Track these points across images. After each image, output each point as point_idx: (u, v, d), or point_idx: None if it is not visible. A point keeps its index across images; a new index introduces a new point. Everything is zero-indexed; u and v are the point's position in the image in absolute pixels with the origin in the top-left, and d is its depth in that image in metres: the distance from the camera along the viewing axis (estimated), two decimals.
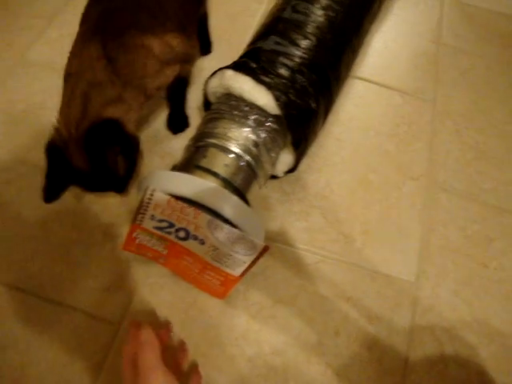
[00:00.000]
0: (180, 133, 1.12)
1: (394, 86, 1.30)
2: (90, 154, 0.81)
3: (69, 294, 0.93)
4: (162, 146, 1.10)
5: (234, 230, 0.75)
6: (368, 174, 1.13)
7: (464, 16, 1.53)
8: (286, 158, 0.98)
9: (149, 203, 0.77)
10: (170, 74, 0.92)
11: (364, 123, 1.21)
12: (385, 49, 1.39)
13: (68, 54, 0.87)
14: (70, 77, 0.85)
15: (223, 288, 0.89)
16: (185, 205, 0.75)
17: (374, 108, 1.25)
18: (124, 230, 0.97)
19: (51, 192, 0.85)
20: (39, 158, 0.83)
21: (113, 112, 0.82)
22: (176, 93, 1.06)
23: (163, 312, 0.92)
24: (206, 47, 1.27)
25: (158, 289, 0.95)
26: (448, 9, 1.54)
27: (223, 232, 0.76)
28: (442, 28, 1.48)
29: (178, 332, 0.90)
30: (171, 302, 0.93)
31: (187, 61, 0.98)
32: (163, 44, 0.86)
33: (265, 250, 0.76)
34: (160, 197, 0.75)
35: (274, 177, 1.04)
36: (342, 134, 1.18)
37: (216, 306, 0.93)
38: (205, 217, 0.75)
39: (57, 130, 0.83)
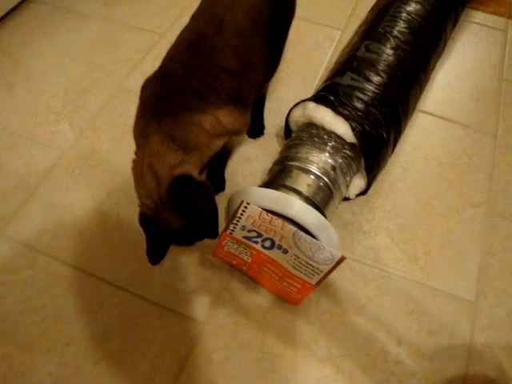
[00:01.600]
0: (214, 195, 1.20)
1: (456, 119, 1.39)
2: (181, 208, 0.90)
3: (159, 294, 1.05)
4: (244, 168, 1.23)
5: (315, 240, 0.86)
6: (431, 199, 1.22)
7: None
8: (358, 182, 1.09)
9: (242, 215, 0.90)
10: (221, 144, 1.00)
11: (427, 153, 1.31)
12: (448, 84, 1.48)
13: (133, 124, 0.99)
14: (140, 143, 0.95)
15: (299, 295, 1.00)
16: (274, 217, 0.87)
17: (437, 139, 1.35)
18: (207, 242, 1.10)
19: (155, 256, 0.97)
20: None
21: (181, 170, 0.91)
22: (218, 159, 1.12)
23: (242, 315, 1.03)
24: (257, 130, 1.31)
25: (238, 294, 1.06)
26: (510, 46, 1.61)
27: (306, 242, 0.87)
28: (504, 64, 1.56)
29: (255, 333, 1.01)
30: (249, 306, 1.05)
31: (236, 134, 1.05)
32: (213, 120, 0.94)
33: (341, 260, 0.87)
34: (253, 209, 0.88)
35: (346, 199, 1.15)
36: (407, 162, 1.28)
37: (290, 312, 1.04)
38: (290, 228, 0.87)
39: (142, 204, 0.94)
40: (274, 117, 1.27)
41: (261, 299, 1.05)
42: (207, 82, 0.93)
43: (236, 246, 0.98)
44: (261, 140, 1.29)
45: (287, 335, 1.01)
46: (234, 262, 1.03)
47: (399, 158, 1.28)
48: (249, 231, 0.93)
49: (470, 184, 1.26)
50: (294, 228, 0.87)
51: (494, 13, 1.71)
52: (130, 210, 1.15)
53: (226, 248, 0.99)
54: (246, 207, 0.88)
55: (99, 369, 0.97)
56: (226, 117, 0.96)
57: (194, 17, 1.03)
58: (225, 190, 1.19)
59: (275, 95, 1.37)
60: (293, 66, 1.44)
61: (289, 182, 0.97)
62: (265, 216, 0.88)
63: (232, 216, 0.91)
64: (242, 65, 0.97)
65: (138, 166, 0.92)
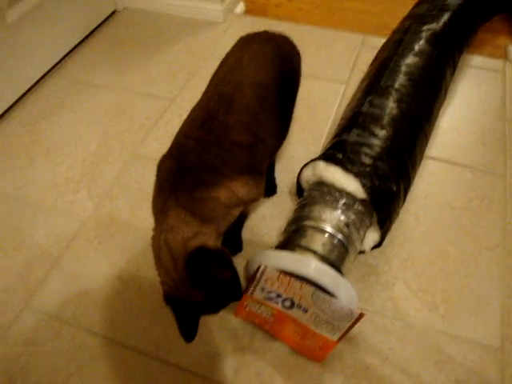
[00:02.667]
0: (232, 256, 1.18)
1: (464, 162, 1.42)
2: (201, 281, 0.91)
3: (184, 358, 1.07)
4: (260, 227, 1.27)
5: (334, 299, 0.88)
6: (446, 246, 1.23)
7: None
8: (372, 236, 1.11)
9: (261, 277, 0.92)
10: (237, 213, 1.03)
11: (438, 199, 1.33)
12: (453, 128, 1.52)
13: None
14: (157, 218, 0.98)
15: (322, 352, 1.01)
16: (292, 279, 0.89)
17: (447, 185, 1.37)
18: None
19: (189, 332, 0.97)
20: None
21: (196, 243, 0.93)
22: (235, 224, 1.13)
23: (267, 374, 1.04)
24: (270, 189, 1.35)
25: (262, 352, 1.07)
26: (509, 86, 1.65)
27: (325, 301, 0.89)
28: (506, 105, 1.60)
29: None
30: (274, 364, 1.05)
31: (251, 203, 1.08)
32: (229, 193, 0.97)
33: (360, 316, 0.88)
34: (271, 272, 0.90)
35: (361, 252, 1.17)
36: (420, 210, 1.30)
37: (315, 368, 1.04)
38: (309, 289, 0.89)
39: (163, 283, 0.95)
40: (285, 175, 1.31)
41: (285, 357, 1.06)
42: (221, 157, 0.97)
43: (257, 306, 1.00)
44: (274, 198, 1.33)
45: None
46: (257, 321, 1.05)
47: (411, 206, 1.30)
48: (268, 292, 0.95)
49: (483, 227, 1.27)
50: (312, 288, 0.89)
51: (491, 55, 1.77)
52: (151, 276, 1.17)
53: (247, 308, 1.02)
54: (264, 270, 0.91)
55: None
56: (241, 188, 0.99)
57: (204, 95, 1.08)
58: (242, 250, 1.22)
59: (286, 153, 1.42)
60: (301, 123, 1.49)
61: (304, 242, 1.00)
62: (283, 278, 0.90)
63: (251, 279, 0.93)
64: (252, 139, 1.01)
65: (156, 242, 0.95)
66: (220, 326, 1.11)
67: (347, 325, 0.91)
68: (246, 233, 1.24)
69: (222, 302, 0.96)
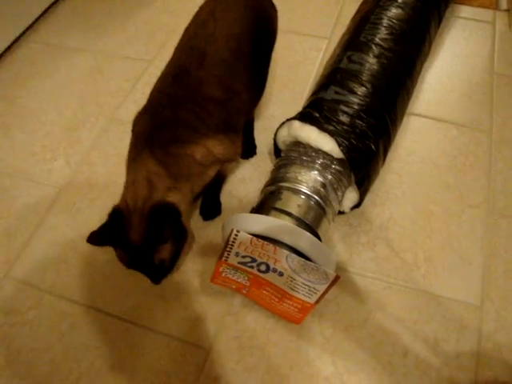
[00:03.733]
0: (210, 220, 1.20)
1: (449, 119, 1.38)
2: (151, 225, 0.90)
3: (163, 323, 1.06)
4: (239, 189, 1.24)
5: (308, 262, 0.86)
6: (428, 204, 1.21)
7: None
8: (351, 196, 1.09)
9: (234, 242, 0.90)
10: (212, 173, 1.02)
11: (422, 157, 1.30)
12: (439, 84, 1.47)
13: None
14: (130, 166, 0.97)
15: (300, 314, 1.00)
16: (265, 242, 0.88)
17: (432, 142, 1.34)
18: (208, 268, 1.10)
19: (96, 239, 0.94)
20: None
21: (173, 198, 0.93)
22: (213, 185, 1.12)
23: (246, 338, 1.03)
24: (249, 151, 1.31)
25: (241, 317, 1.06)
26: (500, 38, 1.60)
27: (300, 264, 0.87)
28: (494, 58, 1.54)
29: (261, 355, 1.01)
30: (253, 329, 1.05)
31: (228, 162, 1.07)
32: (205, 151, 0.96)
33: (336, 279, 0.87)
34: (244, 236, 0.88)
35: (341, 212, 1.15)
36: (402, 168, 1.27)
37: (294, 330, 1.04)
38: (283, 252, 0.87)
39: (124, 200, 0.94)
40: (265, 135, 1.27)
41: (264, 321, 1.05)
42: (196, 113, 0.95)
43: (233, 271, 0.99)
44: (254, 160, 1.30)
45: (292, 355, 1.01)
46: (234, 287, 1.04)
47: (393, 164, 1.28)
48: (243, 257, 0.93)
49: (468, 184, 1.25)
50: (286, 251, 0.87)
51: (480, 5, 1.70)
52: None
53: (223, 274, 1.00)
54: (236, 235, 0.89)
55: None
56: (217, 146, 0.98)
57: (176, 50, 1.04)
58: (221, 213, 1.20)
59: (266, 113, 1.38)
60: (281, 81, 1.44)
61: (279, 205, 0.98)
62: (256, 242, 0.88)
63: (225, 244, 0.91)
64: (227, 93, 0.98)
65: (130, 176, 0.94)
66: (199, 291, 1.10)
67: (323, 287, 0.90)
68: (225, 196, 1.22)
69: (140, 266, 0.95)
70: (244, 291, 1.04)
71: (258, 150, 1.31)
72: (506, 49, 1.57)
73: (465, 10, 1.69)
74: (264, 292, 1.00)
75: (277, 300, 1.00)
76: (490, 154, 1.31)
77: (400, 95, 1.18)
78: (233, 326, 1.05)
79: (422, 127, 1.37)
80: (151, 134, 0.95)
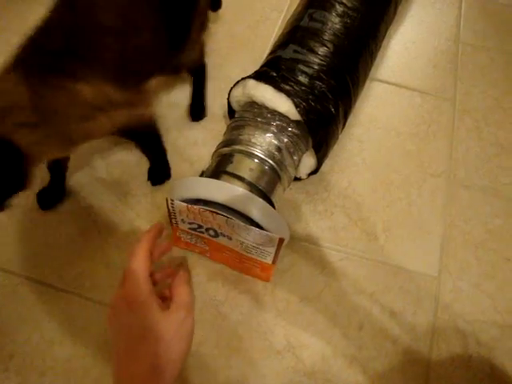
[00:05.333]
0: (160, 184, 1.11)
1: (413, 86, 1.33)
2: None
3: (108, 294, 0.98)
4: (190, 153, 1.16)
5: (248, 226, 0.81)
6: (389, 173, 1.16)
7: (483, 12, 1.54)
8: (308, 161, 1.03)
9: (174, 210, 0.84)
10: (108, 121, 0.86)
11: (384, 124, 1.25)
12: (404, 50, 1.42)
13: None
14: None
15: (265, 273, 0.96)
16: (201, 209, 0.81)
17: (394, 109, 1.29)
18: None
19: None
20: None
21: (24, 138, 0.75)
22: (144, 144, 1.03)
23: (197, 309, 0.97)
24: (198, 110, 1.21)
25: (194, 286, 1.00)
26: (466, 6, 1.55)
27: (242, 229, 0.82)
28: (460, 26, 1.50)
29: (211, 327, 0.96)
30: (204, 300, 0.99)
31: (135, 111, 0.92)
32: (98, 92, 0.81)
33: (280, 241, 0.82)
34: (179, 205, 0.81)
35: (297, 179, 1.09)
36: (363, 135, 1.22)
37: (245, 302, 0.98)
38: (222, 217, 0.81)
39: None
40: (221, 97, 1.18)
41: (214, 292, 0.99)
42: (89, 43, 0.80)
43: (189, 236, 0.93)
44: (208, 122, 1.21)
45: (243, 328, 0.96)
46: (197, 251, 1.00)
47: (354, 130, 1.22)
48: (189, 223, 0.87)
49: (429, 153, 1.21)
50: (224, 216, 0.81)
51: None
52: (73, 208, 1.08)
53: (182, 239, 0.95)
54: (172, 204, 0.82)
55: (46, 380, 0.91)
56: (116, 91, 0.83)
57: None
58: (170, 177, 1.13)
59: (222, 73, 1.30)
60: (239, 41, 1.36)
61: (230, 168, 0.91)
62: (192, 209, 0.82)
63: (168, 212, 0.85)
64: (127, 25, 0.84)
65: None
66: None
67: (271, 249, 0.84)
68: (175, 159, 1.14)
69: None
70: (208, 254, 1.00)
71: (212, 112, 1.22)
72: (472, 18, 1.52)
73: None
74: (225, 255, 0.95)
75: (238, 261, 0.95)
76: (452, 122, 1.27)
77: (363, 57, 1.12)
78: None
79: (384, 93, 1.31)
80: (31, 59, 0.77)
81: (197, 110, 1.21)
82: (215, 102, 1.24)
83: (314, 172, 1.06)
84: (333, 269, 1.03)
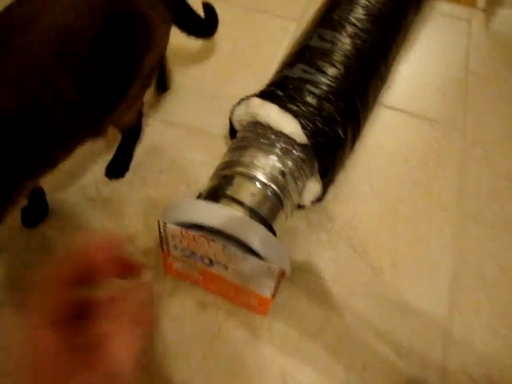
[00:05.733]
0: (114, 178, 1.08)
1: (422, 114, 1.28)
2: None
3: None
4: (188, 174, 1.10)
5: (248, 255, 0.74)
6: (396, 203, 1.10)
7: (492, 43, 1.51)
8: (313, 187, 0.96)
9: (165, 234, 0.77)
10: None
11: (392, 151, 1.19)
12: (413, 77, 1.38)
13: None
14: None
15: (262, 306, 0.89)
16: (196, 234, 0.74)
17: (403, 136, 1.23)
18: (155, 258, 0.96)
19: None
20: None
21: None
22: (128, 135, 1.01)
23: (187, 343, 0.90)
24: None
25: (180, 320, 0.92)
26: (476, 37, 1.52)
27: (239, 258, 0.75)
28: (470, 56, 1.46)
29: (201, 363, 0.88)
30: (194, 332, 0.91)
31: None
32: None
33: (281, 273, 0.75)
34: (172, 228, 0.75)
35: (300, 206, 1.02)
36: (370, 161, 1.16)
37: (240, 336, 0.91)
38: (219, 245, 0.74)
39: None
40: (221, 116, 1.12)
41: (206, 323, 0.92)
42: None
43: (181, 264, 0.86)
44: (207, 142, 1.16)
45: (236, 365, 0.88)
46: (189, 280, 0.92)
47: (361, 156, 1.16)
48: (182, 250, 0.80)
49: (438, 184, 1.15)
50: (221, 244, 0.74)
51: (458, 2, 1.61)
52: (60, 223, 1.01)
53: (174, 267, 0.87)
54: (164, 227, 0.75)
55: None
56: None
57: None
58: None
59: (223, 91, 1.24)
60: (244, 60, 1.31)
61: (230, 192, 0.84)
62: (186, 234, 0.75)
63: (159, 236, 0.78)
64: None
65: None
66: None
67: (271, 281, 0.77)
68: (171, 180, 1.08)
69: None
70: (201, 284, 0.92)
71: (212, 132, 1.16)
72: (481, 48, 1.49)
73: (442, 6, 1.59)
74: (219, 285, 0.88)
75: (233, 293, 0.88)
76: (462, 153, 1.21)
77: (373, 79, 1.07)
78: (171, 331, 0.91)
79: (393, 120, 1.26)
80: None
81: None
82: (215, 122, 1.18)
83: (319, 200, 1.00)
84: (335, 303, 0.96)
